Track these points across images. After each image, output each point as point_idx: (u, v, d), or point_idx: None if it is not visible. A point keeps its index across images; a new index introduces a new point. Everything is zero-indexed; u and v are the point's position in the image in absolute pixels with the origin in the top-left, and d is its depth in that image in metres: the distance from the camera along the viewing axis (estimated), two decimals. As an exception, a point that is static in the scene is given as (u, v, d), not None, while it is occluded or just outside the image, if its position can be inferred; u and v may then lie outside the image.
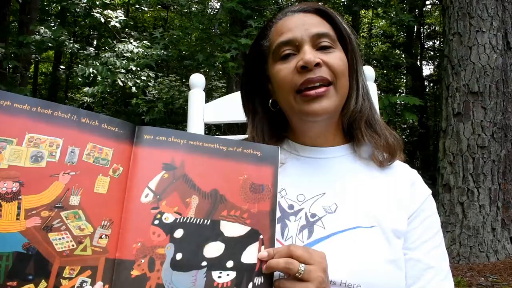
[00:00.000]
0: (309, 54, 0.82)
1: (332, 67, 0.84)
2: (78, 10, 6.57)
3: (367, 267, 0.77)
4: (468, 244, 4.66)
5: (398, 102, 7.06)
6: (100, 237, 0.67)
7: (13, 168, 0.64)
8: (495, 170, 4.79)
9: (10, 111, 0.67)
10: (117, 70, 6.10)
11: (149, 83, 6.61)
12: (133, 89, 6.41)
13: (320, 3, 0.92)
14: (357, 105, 0.89)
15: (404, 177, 0.91)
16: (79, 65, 6.34)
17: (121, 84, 6.27)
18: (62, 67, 11.74)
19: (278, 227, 0.81)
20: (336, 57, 0.85)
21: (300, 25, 0.86)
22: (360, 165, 0.90)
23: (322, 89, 0.82)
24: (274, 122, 0.95)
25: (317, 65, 0.82)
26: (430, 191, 0.92)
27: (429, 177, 8.36)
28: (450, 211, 4.83)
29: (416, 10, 10.94)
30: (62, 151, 0.68)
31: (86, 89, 6.56)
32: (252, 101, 0.96)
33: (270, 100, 0.92)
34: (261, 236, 0.73)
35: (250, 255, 0.72)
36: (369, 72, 1.27)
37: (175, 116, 8.77)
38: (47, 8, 10.50)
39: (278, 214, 0.82)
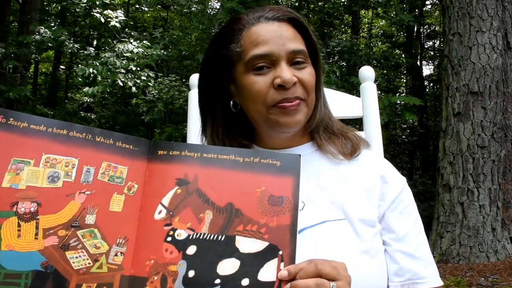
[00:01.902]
0: (287, 72, 0.83)
1: (305, 84, 0.86)
2: (78, 10, 6.57)
3: (337, 259, 0.77)
4: (468, 244, 4.66)
5: (398, 102, 7.06)
6: (116, 255, 0.68)
7: (30, 188, 0.66)
8: (495, 170, 4.79)
9: (27, 132, 0.68)
10: (117, 70, 6.10)
11: (149, 83, 6.60)
12: (133, 89, 6.40)
13: (293, 10, 0.91)
14: (320, 115, 0.93)
15: (373, 167, 0.93)
16: (79, 65, 6.33)
17: (121, 84, 6.27)
18: (62, 67, 11.74)
19: None
20: (308, 74, 0.87)
21: (277, 37, 0.85)
22: (326, 160, 0.93)
23: (296, 102, 0.85)
24: (234, 125, 0.94)
25: (293, 84, 0.84)
26: (405, 180, 0.94)
27: (429, 177, 8.37)
28: (450, 211, 4.83)
29: (416, 10, 10.93)
30: (78, 171, 0.69)
31: (86, 89, 6.56)
32: (211, 100, 0.94)
33: (232, 101, 0.92)
34: (280, 252, 0.70)
35: (268, 272, 0.68)
36: (369, 72, 1.27)
37: (175, 116, 8.76)
38: (47, 8, 10.49)
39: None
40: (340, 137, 0.94)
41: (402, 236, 0.88)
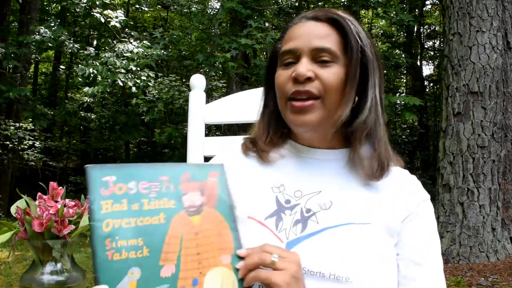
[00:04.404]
0: (303, 67, 0.84)
1: (324, 82, 0.84)
2: (78, 10, 6.57)
3: (356, 260, 0.79)
4: (468, 244, 4.66)
5: (398, 102, 7.06)
6: None
7: None
8: (495, 170, 4.79)
9: None
10: (117, 70, 6.10)
11: (149, 83, 6.60)
12: (133, 89, 6.41)
13: (340, 11, 0.90)
14: (361, 117, 0.88)
15: (402, 182, 0.92)
16: (79, 65, 6.33)
17: (121, 84, 6.27)
18: (62, 67, 11.74)
19: (273, 220, 0.84)
20: (332, 73, 0.84)
21: (305, 35, 0.87)
22: (356, 169, 0.91)
23: (307, 103, 0.84)
24: (281, 119, 0.96)
25: (309, 78, 0.84)
26: (429, 196, 0.94)
27: (429, 177, 8.37)
28: (450, 211, 4.83)
29: (416, 10, 10.93)
30: None
31: (86, 89, 6.56)
32: (266, 94, 1.00)
33: None
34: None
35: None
36: (369, 72, 1.27)
37: (175, 116, 8.77)
38: (47, 8, 10.51)
39: (274, 207, 0.85)
40: (376, 152, 0.89)
41: (417, 248, 0.88)
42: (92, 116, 9.13)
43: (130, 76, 6.27)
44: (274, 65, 0.95)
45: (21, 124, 8.05)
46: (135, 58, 6.27)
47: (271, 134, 0.96)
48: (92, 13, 6.54)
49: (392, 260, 0.85)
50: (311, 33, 0.86)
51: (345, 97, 0.86)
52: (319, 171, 0.91)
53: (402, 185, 0.91)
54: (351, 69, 0.86)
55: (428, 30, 12.63)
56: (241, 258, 0.74)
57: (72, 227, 0.82)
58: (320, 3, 8.76)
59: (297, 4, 9.02)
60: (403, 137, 11.02)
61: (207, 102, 1.31)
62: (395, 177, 0.92)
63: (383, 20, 10.69)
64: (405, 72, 11.94)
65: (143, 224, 0.69)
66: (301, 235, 0.82)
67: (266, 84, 0.99)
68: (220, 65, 7.21)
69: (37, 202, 0.85)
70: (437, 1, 11.34)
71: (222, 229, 0.76)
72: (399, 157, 0.96)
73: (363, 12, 11.27)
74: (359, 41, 0.86)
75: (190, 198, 0.75)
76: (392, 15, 7.44)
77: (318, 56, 0.85)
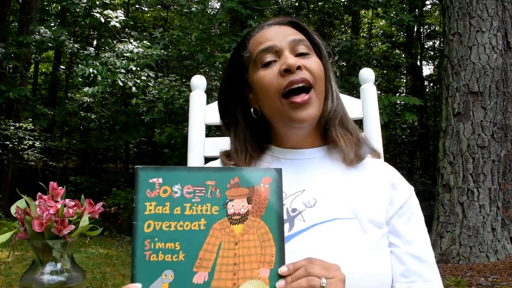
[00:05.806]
0: (291, 58, 0.89)
1: (311, 71, 0.90)
2: (78, 10, 6.57)
3: (346, 255, 0.81)
4: (468, 244, 4.66)
5: (398, 102, 7.06)
6: None
7: None
8: (495, 170, 4.80)
9: None
10: (117, 70, 6.10)
11: (149, 83, 6.60)
12: (133, 89, 6.40)
13: (293, 16, 1.00)
14: (333, 106, 0.96)
15: (382, 174, 0.96)
16: (79, 65, 6.33)
17: (121, 84, 6.26)
18: (62, 67, 11.74)
19: None
20: (314, 62, 0.92)
21: (278, 34, 0.93)
22: (336, 164, 0.96)
23: (306, 97, 0.88)
24: (255, 131, 1.00)
25: (299, 68, 0.88)
26: (413, 188, 0.97)
27: (429, 177, 8.37)
28: (450, 211, 4.83)
29: (416, 10, 10.93)
30: None
31: (86, 89, 6.55)
32: (233, 111, 1.01)
33: (252, 109, 0.98)
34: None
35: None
36: (369, 74, 1.27)
37: (175, 116, 8.76)
38: (47, 8, 10.51)
39: None
40: (353, 137, 0.96)
41: (409, 240, 0.90)
42: (92, 116, 9.12)
43: (130, 76, 6.27)
44: (238, 78, 0.97)
45: (21, 124, 8.05)
46: (135, 58, 6.26)
47: (249, 150, 0.98)
48: (92, 13, 6.54)
49: (382, 250, 0.87)
50: (281, 32, 0.93)
51: (327, 88, 0.95)
52: (302, 170, 0.94)
53: (383, 176, 0.95)
54: (323, 61, 0.95)
55: (428, 30, 12.62)
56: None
57: (72, 227, 0.82)
58: (320, 3, 8.75)
59: (297, 4, 9.02)
60: (403, 137, 11.00)
61: (208, 102, 1.31)
62: (375, 168, 0.97)
63: (383, 20, 10.69)
64: (405, 72, 11.93)
65: (183, 229, 0.71)
66: (289, 234, 0.84)
67: (229, 101, 1.01)
68: (220, 65, 7.21)
69: (37, 202, 0.85)
70: (437, 1, 11.34)
71: (265, 241, 0.73)
72: (376, 148, 1.01)
73: (363, 12, 11.27)
74: (318, 39, 0.97)
75: (235, 205, 0.73)
76: (392, 15, 7.44)
77: (297, 48, 0.91)
